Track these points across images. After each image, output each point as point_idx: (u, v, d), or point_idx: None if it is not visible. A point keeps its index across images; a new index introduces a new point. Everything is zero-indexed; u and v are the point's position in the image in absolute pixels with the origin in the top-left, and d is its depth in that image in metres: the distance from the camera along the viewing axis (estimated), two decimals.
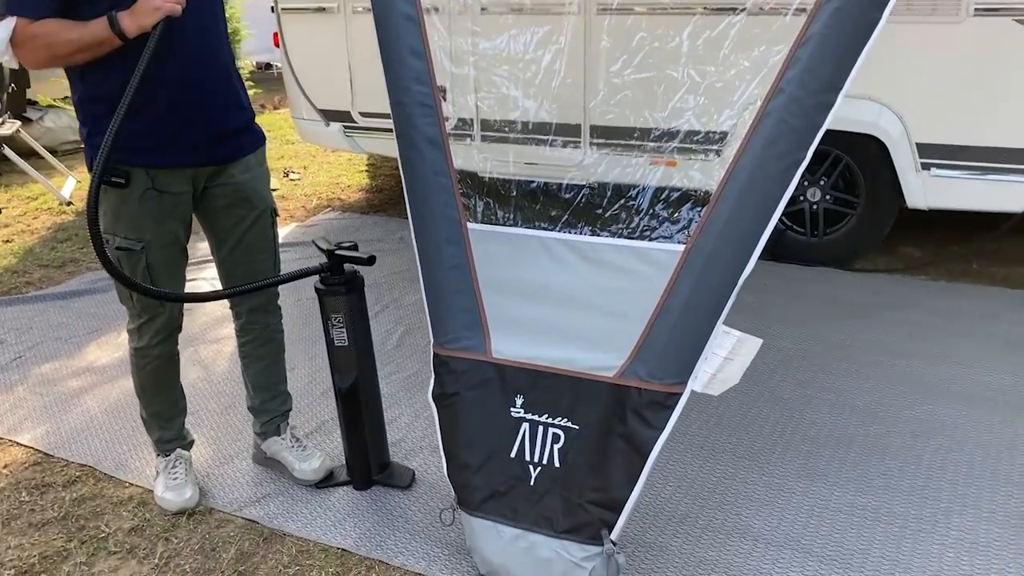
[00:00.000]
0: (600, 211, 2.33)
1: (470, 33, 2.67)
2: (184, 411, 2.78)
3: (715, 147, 2.38)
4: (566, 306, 2.26)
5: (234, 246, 2.58)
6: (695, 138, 2.39)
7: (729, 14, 2.33)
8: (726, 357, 2.12)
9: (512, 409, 2.27)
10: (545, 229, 2.34)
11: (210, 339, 3.89)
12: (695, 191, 2.19)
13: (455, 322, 2.33)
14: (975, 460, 2.74)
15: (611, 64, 2.54)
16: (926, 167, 3.98)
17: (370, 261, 2.45)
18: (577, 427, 2.20)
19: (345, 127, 5.37)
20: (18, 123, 6.90)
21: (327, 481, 2.78)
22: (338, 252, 2.50)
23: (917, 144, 3.96)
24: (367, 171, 6.77)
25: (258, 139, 2.57)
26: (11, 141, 6.54)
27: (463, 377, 2.31)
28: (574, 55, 2.53)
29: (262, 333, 2.74)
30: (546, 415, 2.23)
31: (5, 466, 2.98)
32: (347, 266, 2.57)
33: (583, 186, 2.36)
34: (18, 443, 3.11)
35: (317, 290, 2.55)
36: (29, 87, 7.75)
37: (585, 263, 2.26)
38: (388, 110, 2.30)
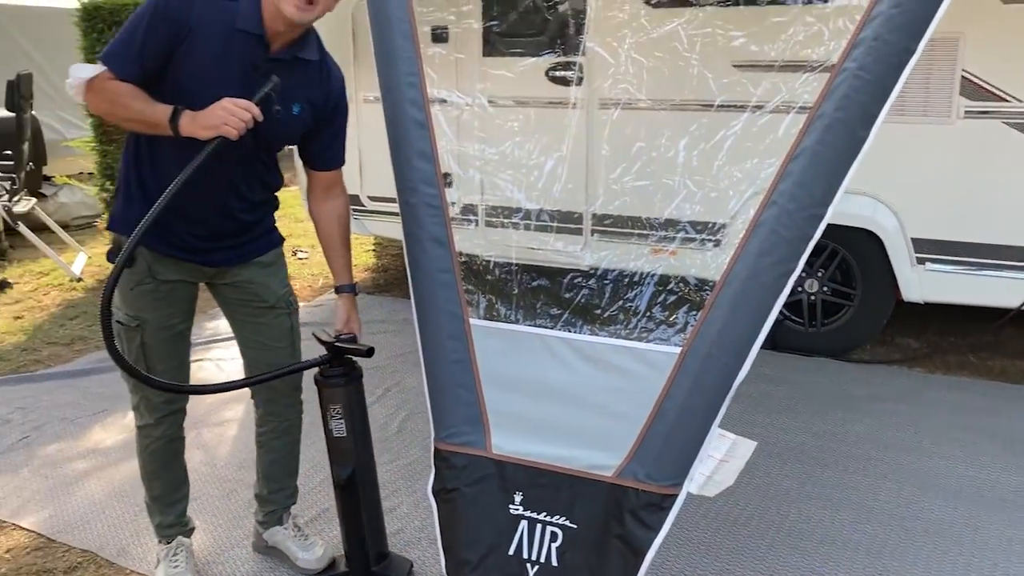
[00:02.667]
0: (599, 311, 2.39)
1: (476, 139, 2.78)
2: (186, 496, 2.80)
3: (714, 238, 2.48)
4: (566, 404, 2.31)
5: (248, 338, 2.66)
6: (693, 231, 2.49)
7: (731, 110, 2.44)
8: (721, 459, 2.17)
9: (511, 506, 2.29)
10: (546, 327, 2.41)
11: (214, 422, 3.93)
12: (691, 295, 2.26)
13: (456, 417, 2.38)
14: (972, 562, 2.74)
15: (611, 171, 2.65)
16: (921, 261, 4.05)
17: (369, 353, 2.52)
18: (575, 526, 2.22)
19: (353, 209, 5.48)
20: (34, 200, 6.99)
21: (330, 570, 2.80)
22: (338, 344, 2.57)
23: (912, 239, 4.04)
24: (373, 251, 6.86)
25: (271, 243, 2.66)
26: (26, 218, 6.62)
27: (463, 473, 2.34)
28: (575, 162, 2.66)
29: (279, 425, 2.78)
30: (544, 513, 2.26)
31: (7, 551, 2.99)
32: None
33: (583, 286, 2.43)
34: (21, 527, 3.12)
35: (316, 382, 2.61)
36: (46, 164, 7.91)
37: (584, 362, 2.32)
38: (395, 194, 2.38)
